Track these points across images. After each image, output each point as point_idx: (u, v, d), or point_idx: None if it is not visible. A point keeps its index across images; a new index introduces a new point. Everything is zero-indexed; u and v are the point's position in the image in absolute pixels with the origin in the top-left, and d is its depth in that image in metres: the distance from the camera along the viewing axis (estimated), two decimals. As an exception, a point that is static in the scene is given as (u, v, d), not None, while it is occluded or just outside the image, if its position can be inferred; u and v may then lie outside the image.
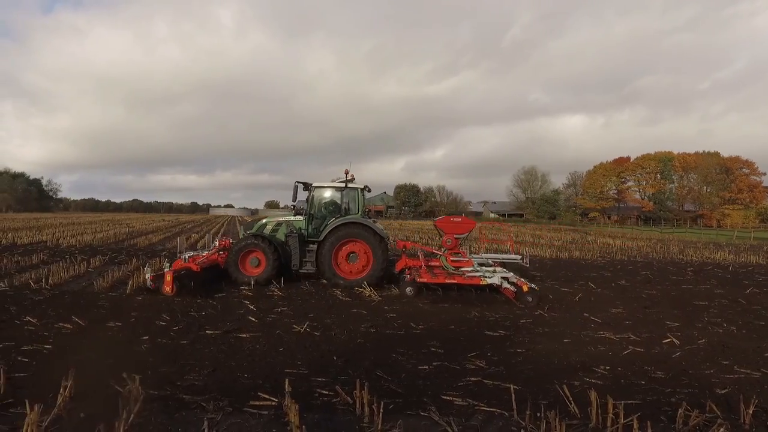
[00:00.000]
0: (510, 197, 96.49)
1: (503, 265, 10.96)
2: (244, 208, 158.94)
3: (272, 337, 6.42)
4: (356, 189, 11.31)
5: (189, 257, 10.12)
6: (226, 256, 10.76)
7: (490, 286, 9.84)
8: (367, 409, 4.00)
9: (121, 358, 5.37)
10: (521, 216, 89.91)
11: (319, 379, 4.83)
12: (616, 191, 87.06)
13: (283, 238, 11.07)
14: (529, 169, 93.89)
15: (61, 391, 4.00)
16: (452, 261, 10.45)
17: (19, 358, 5.24)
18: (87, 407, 4.01)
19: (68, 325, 6.63)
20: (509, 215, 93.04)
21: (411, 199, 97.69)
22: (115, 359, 5.30)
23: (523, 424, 3.87)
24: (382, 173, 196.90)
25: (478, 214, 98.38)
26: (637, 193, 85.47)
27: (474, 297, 9.71)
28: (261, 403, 4.19)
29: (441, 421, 3.92)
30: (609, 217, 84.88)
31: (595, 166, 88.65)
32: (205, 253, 11.08)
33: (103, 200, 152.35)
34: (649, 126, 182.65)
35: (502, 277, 9.69)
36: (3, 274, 11.11)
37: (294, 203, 11.41)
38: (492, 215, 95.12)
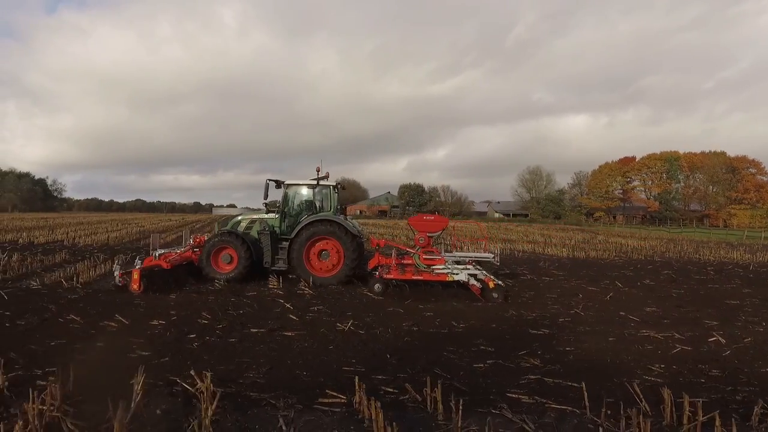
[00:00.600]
0: (515, 197, 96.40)
1: (478, 263, 11.04)
2: (247, 207, 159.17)
3: (318, 335, 6.42)
4: (329, 186, 11.38)
5: (160, 255, 10.19)
6: (199, 253, 10.79)
7: (458, 283, 9.88)
8: (440, 406, 3.99)
9: (176, 356, 5.38)
10: (526, 216, 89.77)
11: (380, 377, 4.83)
12: (621, 191, 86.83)
13: (256, 236, 11.11)
14: (534, 169, 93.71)
15: (137, 389, 4.01)
16: (425, 259, 10.45)
17: (77, 356, 5.25)
18: (160, 404, 4.02)
19: (113, 324, 6.66)
20: (514, 215, 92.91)
21: (415, 199, 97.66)
22: (171, 357, 5.31)
23: (599, 421, 3.86)
24: (385, 173, 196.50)
25: (482, 214, 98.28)
26: (643, 192, 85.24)
27: (510, 297, 9.70)
28: (330, 400, 4.19)
29: (515, 419, 3.92)
30: (614, 217, 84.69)
31: (600, 166, 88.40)
32: (179, 250, 11.11)
33: (107, 200, 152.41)
34: (652, 126, 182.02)
35: (470, 274, 9.76)
36: (31, 273, 11.17)
37: (266, 201, 11.40)
38: (497, 215, 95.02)
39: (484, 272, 10.03)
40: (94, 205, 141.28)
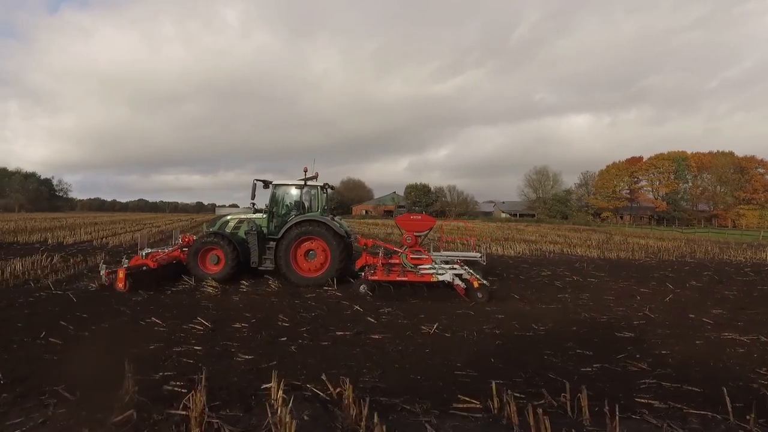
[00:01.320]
0: (521, 197, 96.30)
1: (466, 263, 11.02)
2: (248, 207, 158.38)
3: (405, 338, 6.38)
4: (316, 187, 11.41)
5: (147, 254, 10.20)
6: (187, 253, 10.82)
7: (443, 282, 9.82)
8: (586, 412, 3.96)
9: (283, 360, 5.34)
10: (533, 216, 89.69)
11: (498, 381, 4.78)
12: (628, 191, 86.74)
13: (244, 236, 11.11)
14: (540, 169, 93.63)
15: (273, 395, 3.98)
16: (412, 258, 10.44)
17: (183, 360, 5.23)
18: (303, 410, 3.98)
19: (198, 327, 6.62)
20: (521, 215, 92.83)
21: (422, 199, 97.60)
22: (278, 361, 5.27)
23: (748, 427, 3.83)
24: (386, 173, 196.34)
25: (487, 214, 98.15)
26: (651, 193, 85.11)
27: (580, 300, 9.66)
28: (464, 405, 4.15)
29: (660, 425, 3.88)
30: (621, 217, 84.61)
31: (607, 166, 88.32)
32: (167, 250, 11.15)
33: (109, 200, 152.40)
34: (655, 125, 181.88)
35: (455, 274, 9.74)
36: (80, 274, 11.14)
37: (253, 201, 11.40)
38: (503, 215, 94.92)
39: (470, 271, 10.04)
40: (96, 205, 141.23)
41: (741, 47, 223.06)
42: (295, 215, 11.09)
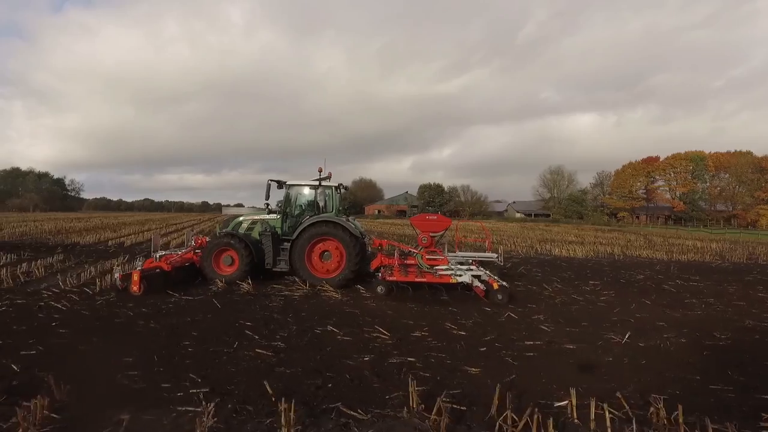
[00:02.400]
0: (536, 196, 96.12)
1: (481, 263, 10.93)
2: (253, 207, 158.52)
3: (600, 347, 6.24)
4: (331, 187, 11.28)
5: (161, 256, 10.07)
6: (200, 255, 10.75)
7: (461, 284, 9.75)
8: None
9: (520, 373, 5.20)
10: (548, 216, 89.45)
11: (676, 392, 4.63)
12: (644, 191, 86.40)
13: (258, 237, 11.02)
14: (555, 169, 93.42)
15: (571, 411, 3.84)
16: (428, 259, 10.35)
17: (421, 373, 5.09)
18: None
19: (382, 335, 6.48)
20: (536, 215, 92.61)
21: (435, 199, 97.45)
22: (518, 375, 5.13)
23: None
24: (390, 172, 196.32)
25: (499, 214, 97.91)
26: (668, 192, 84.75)
27: (714, 306, 9.49)
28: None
29: None
30: (637, 217, 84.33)
31: (623, 166, 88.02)
32: (180, 252, 11.07)
33: (115, 199, 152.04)
34: (661, 125, 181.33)
35: (474, 276, 9.63)
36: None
37: (267, 201, 11.27)
38: (518, 215, 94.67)
39: (487, 273, 9.98)
40: (102, 205, 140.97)
41: (748, 45, 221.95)
42: (310, 216, 11.01)
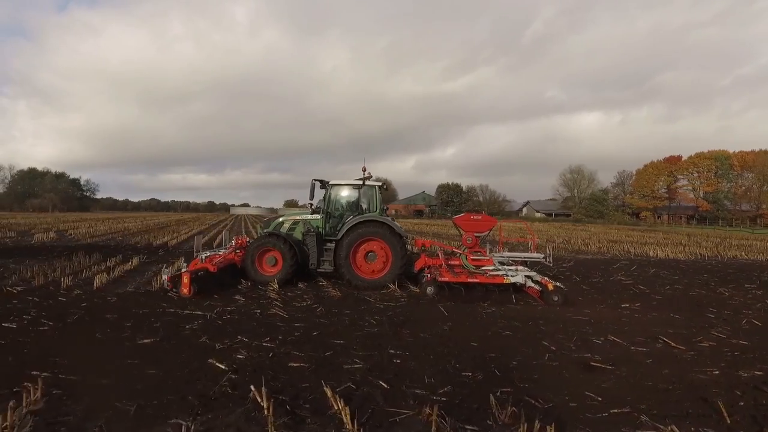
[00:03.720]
0: (556, 195, 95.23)
1: (525, 263, 10.58)
2: (258, 206, 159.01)
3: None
4: (374, 187, 11.15)
5: (206, 257, 9.86)
6: (243, 256, 10.66)
7: (513, 285, 9.57)
8: None
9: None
10: (568, 215, 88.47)
11: None
12: (665, 190, 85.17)
13: (299, 237, 10.90)
14: (575, 168, 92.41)
15: None
16: (473, 260, 10.13)
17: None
18: None
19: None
20: (556, 214, 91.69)
21: (454, 199, 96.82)
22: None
23: None
24: (393, 171, 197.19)
25: (514, 214, 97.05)
26: (691, 192, 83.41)
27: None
28: None
29: None
30: (659, 217, 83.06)
31: (645, 165, 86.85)
32: (222, 252, 10.92)
33: (121, 199, 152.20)
34: (667, 123, 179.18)
35: (526, 276, 9.37)
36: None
37: (311, 201, 11.17)
38: (537, 214, 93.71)
39: (539, 274, 9.69)
40: (108, 205, 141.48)
41: (757, 43, 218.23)
42: (352, 216, 10.82)
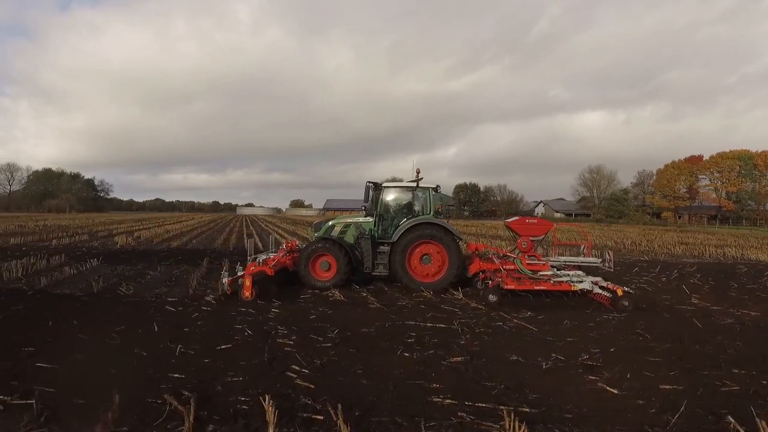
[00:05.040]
0: (575, 195, 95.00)
1: (579, 268, 10.28)
2: (262, 206, 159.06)
3: None
4: (427, 189, 11.05)
5: (263, 260, 9.76)
6: (297, 260, 10.57)
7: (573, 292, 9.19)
8: None
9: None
10: (588, 215, 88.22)
11: None
12: (685, 190, 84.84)
13: (351, 240, 10.79)
14: (594, 168, 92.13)
15: None
16: (528, 264, 9.89)
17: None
18: None
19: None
20: (576, 215, 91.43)
21: (472, 199, 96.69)
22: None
23: None
24: (395, 171, 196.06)
25: (526, 214, 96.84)
26: (714, 192, 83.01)
27: None
28: None
29: None
30: (679, 217, 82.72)
31: (666, 165, 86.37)
32: (274, 255, 10.84)
33: (126, 200, 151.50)
34: (671, 122, 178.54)
35: (593, 282, 9.06)
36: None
37: (365, 204, 11.08)
38: (557, 215, 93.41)
39: (602, 279, 9.36)
40: (114, 205, 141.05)
41: (763, 40, 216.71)
42: (406, 218, 10.76)
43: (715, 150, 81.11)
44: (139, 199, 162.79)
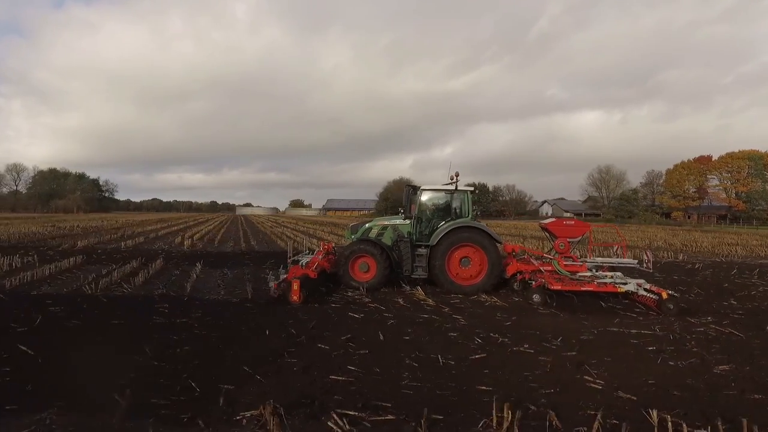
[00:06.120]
0: (583, 196, 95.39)
1: (613, 269, 10.30)
2: (259, 206, 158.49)
3: None
4: (465, 192, 11.03)
5: (306, 263, 9.82)
6: (337, 262, 10.80)
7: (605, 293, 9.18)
8: None
9: None
10: (598, 215, 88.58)
11: None
12: (695, 190, 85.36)
13: (388, 242, 10.85)
14: (604, 168, 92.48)
15: None
16: (566, 266, 9.96)
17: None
18: None
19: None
20: (585, 215, 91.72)
21: (481, 199, 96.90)
22: None
23: None
24: (391, 170, 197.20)
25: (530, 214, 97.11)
26: (724, 192, 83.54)
27: None
28: None
29: None
30: (689, 216, 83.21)
31: (675, 165, 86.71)
32: (312, 257, 10.99)
33: (123, 199, 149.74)
34: (667, 122, 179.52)
35: (638, 284, 9.01)
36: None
37: (404, 207, 11.23)
38: (566, 214, 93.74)
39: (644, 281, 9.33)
40: (116, 205, 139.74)
41: (761, 40, 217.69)
42: (445, 222, 10.77)
43: (711, 149, 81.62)
44: (135, 198, 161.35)
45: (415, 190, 11.26)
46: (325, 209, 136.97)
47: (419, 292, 9.75)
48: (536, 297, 8.93)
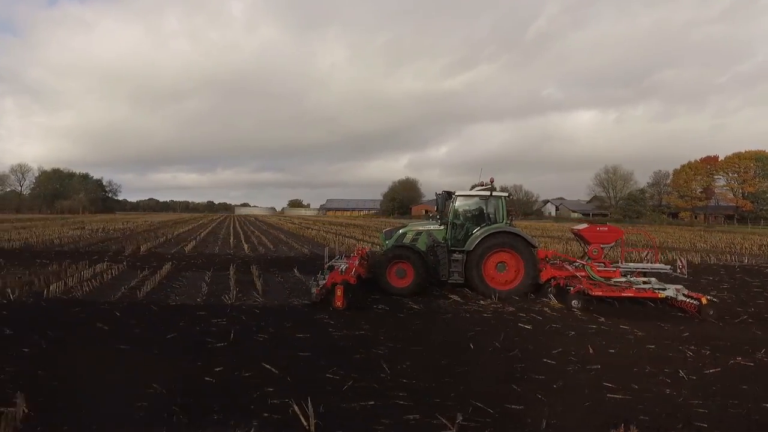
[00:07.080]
0: (589, 195, 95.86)
1: (645, 275, 10.30)
2: (256, 206, 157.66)
3: None
4: (500, 197, 11.09)
5: (344, 269, 9.80)
6: (374, 267, 10.77)
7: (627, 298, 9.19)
8: None
9: None
10: (605, 215, 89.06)
11: None
12: (701, 190, 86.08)
13: (423, 248, 10.88)
14: (611, 168, 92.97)
15: None
16: (600, 271, 10.02)
17: None
18: None
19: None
20: (593, 215, 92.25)
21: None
22: None
23: None
24: (386, 170, 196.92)
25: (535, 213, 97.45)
26: (731, 192, 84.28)
27: None
28: None
29: None
30: (695, 216, 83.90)
31: (682, 166, 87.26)
32: (349, 263, 10.84)
33: (120, 199, 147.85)
34: (661, 122, 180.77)
35: (676, 289, 9.06)
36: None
37: (439, 212, 11.31)
38: (574, 215, 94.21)
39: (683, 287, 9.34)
40: (118, 206, 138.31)
41: (757, 40, 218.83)
42: (480, 227, 10.82)
43: (707, 149, 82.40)
44: (130, 198, 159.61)
45: (449, 195, 11.32)
46: (324, 209, 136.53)
47: (552, 301, 9.68)
48: (574, 302, 9.02)
